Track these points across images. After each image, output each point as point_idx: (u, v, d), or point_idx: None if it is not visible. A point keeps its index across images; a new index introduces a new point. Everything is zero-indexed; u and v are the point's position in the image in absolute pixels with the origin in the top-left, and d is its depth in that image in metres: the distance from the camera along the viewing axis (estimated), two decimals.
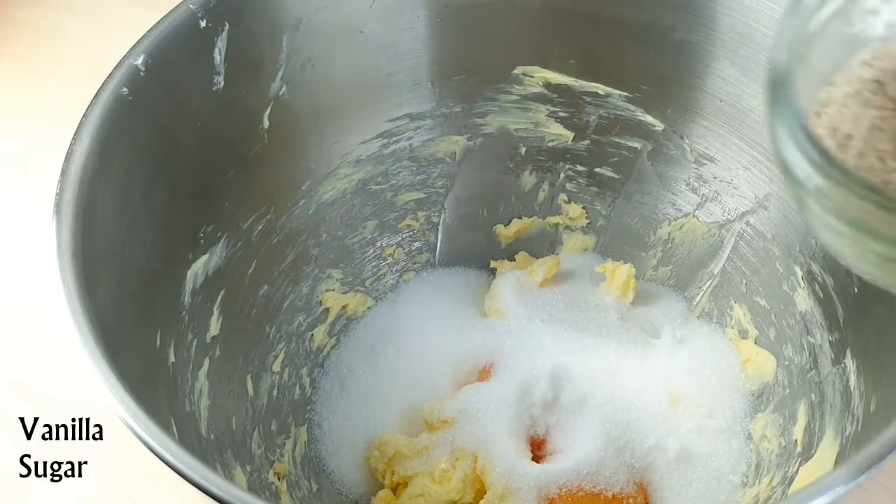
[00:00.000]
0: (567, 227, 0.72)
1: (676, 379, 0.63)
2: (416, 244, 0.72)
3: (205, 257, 0.56)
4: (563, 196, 0.70)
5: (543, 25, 0.63)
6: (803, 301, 0.59)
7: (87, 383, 0.40)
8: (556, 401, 0.61)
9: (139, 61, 0.50)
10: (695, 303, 0.68)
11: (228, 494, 0.38)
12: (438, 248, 0.72)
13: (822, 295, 0.57)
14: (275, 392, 0.63)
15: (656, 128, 0.64)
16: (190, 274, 0.55)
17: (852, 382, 0.52)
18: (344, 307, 0.69)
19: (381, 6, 0.60)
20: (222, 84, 0.54)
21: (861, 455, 0.38)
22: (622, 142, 0.66)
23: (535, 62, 0.64)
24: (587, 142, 0.67)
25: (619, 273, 0.68)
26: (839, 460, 0.50)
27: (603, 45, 0.63)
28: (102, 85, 0.49)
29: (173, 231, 0.54)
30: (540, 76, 0.64)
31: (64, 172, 0.46)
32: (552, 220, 0.71)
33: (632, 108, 0.64)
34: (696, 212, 0.66)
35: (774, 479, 0.56)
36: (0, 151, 0.81)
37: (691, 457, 0.59)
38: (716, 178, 0.64)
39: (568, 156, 0.68)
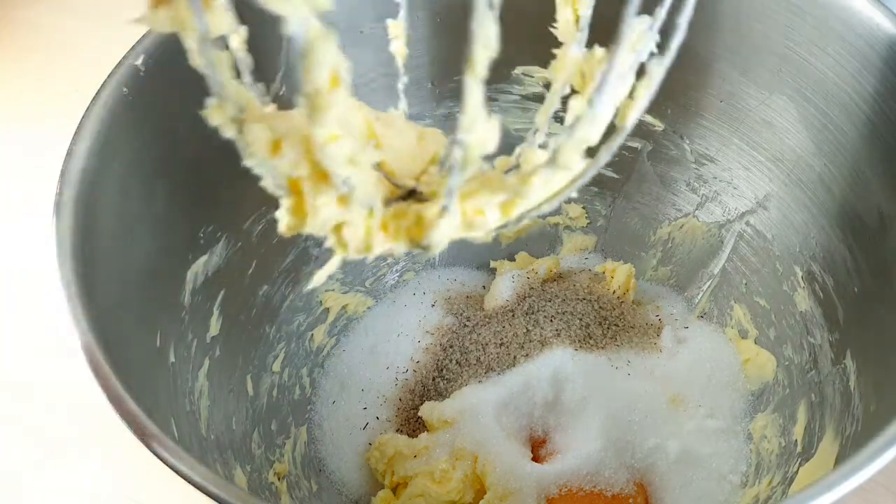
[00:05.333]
0: (567, 227, 0.72)
1: (676, 379, 0.63)
2: None
3: (205, 257, 0.56)
4: None
5: (543, 26, 0.63)
6: (803, 301, 0.59)
7: (87, 383, 0.40)
8: (557, 401, 0.61)
9: (139, 61, 0.50)
10: (695, 303, 0.68)
11: (228, 494, 0.38)
12: None
13: (822, 295, 0.57)
14: (275, 392, 0.63)
15: (656, 128, 0.64)
16: (190, 274, 0.55)
17: (852, 383, 0.52)
18: (344, 307, 0.69)
19: (381, 6, 0.60)
20: None
21: (861, 455, 0.38)
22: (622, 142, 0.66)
23: (535, 62, 0.64)
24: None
25: (619, 273, 0.68)
26: (839, 460, 0.50)
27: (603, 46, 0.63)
28: (102, 85, 0.49)
29: (173, 231, 0.54)
30: (540, 76, 0.64)
31: (64, 172, 0.46)
32: (552, 220, 0.71)
33: None
34: (696, 212, 0.66)
35: (774, 479, 0.56)
36: (0, 151, 0.81)
37: (691, 457, 0.59)
38: (716, 178, 0.64)
39: None
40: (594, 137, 0.33)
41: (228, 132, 0.30)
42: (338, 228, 0.32)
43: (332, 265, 0.34)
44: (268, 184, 0.32)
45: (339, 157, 0.29)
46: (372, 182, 0.32)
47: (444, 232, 0.32)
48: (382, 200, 0.33)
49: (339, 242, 0.33)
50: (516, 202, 0.33)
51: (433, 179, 0.35)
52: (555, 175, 0.33)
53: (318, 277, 0.35)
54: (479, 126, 0.29)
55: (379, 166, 0.33)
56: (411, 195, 0.34)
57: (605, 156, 0.33)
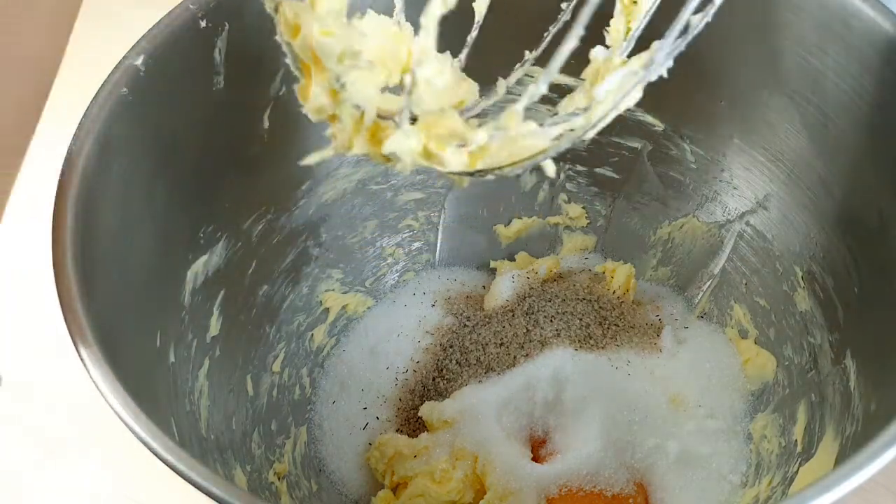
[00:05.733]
0: (567, 227, 0.72)
1: (677, 379, 0.63)
2: (416, 244, 0.72)
3: (205, 257, 0.56)
4: (563, 196, 0.70)
5: (543, 26, 0.63)
6: (803, 301, 0.59)
7: (86, 383, 0.40)
8: (557, 401, 0.61)
9: (139, 61, 0.50)
10: (695, 303, 0.68)
11: (228, 494, 0.38)
12: (438, 248, 0.72)
13: (822, 295, 0.57)
14: (275, 392, 0.63)
15: (656, 128, 0.64)
16: (190, 274, 0.55)
17: (852, 382, 0.52)
18: (344, 307, 0.69)
19: (381, 6, 0.60)
20: (222, 84, 0.54)
21: (861, 455, 0.38)
22: (622, 142, 0.66)
23: (536, 63, 0.64)
24: (587, 141, 0.67)
25: (619, 273, 0.68)
26: (839, 460, 0.50)
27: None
28: (102, 85, 0.49)
29: (173, 231, 0.54)
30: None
31: (64, 172, 0.46)
32: (552, 220, 0.71)
33: (632, 107, 0.64)
34: (696, 212, 0.66)
35: (774, 479, 0.56)
36: (0, 151, 0.81)
37: (691, 457, 0.59)
38: (715, 178, 0.64)
39: (568, 156, 0.68)
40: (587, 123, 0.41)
41: (268, 6, 0.37)
42: (333, 119, 0.38)
43: (326, 152, 0.39)
44: (289, 62, 0.38)
45: (328, 52, 0.35)
46: (367, 89, 0.36)
47: (395, 145, 0.37)
48: (384, 113, 0.38)
49: (334, 134, 0.38)
50: (481, 154, 0.38)
51: None
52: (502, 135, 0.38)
53: (311, 159, 0.39)
54: (429, 63, 0.34)
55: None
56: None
57: (566, 142, 0.39)
